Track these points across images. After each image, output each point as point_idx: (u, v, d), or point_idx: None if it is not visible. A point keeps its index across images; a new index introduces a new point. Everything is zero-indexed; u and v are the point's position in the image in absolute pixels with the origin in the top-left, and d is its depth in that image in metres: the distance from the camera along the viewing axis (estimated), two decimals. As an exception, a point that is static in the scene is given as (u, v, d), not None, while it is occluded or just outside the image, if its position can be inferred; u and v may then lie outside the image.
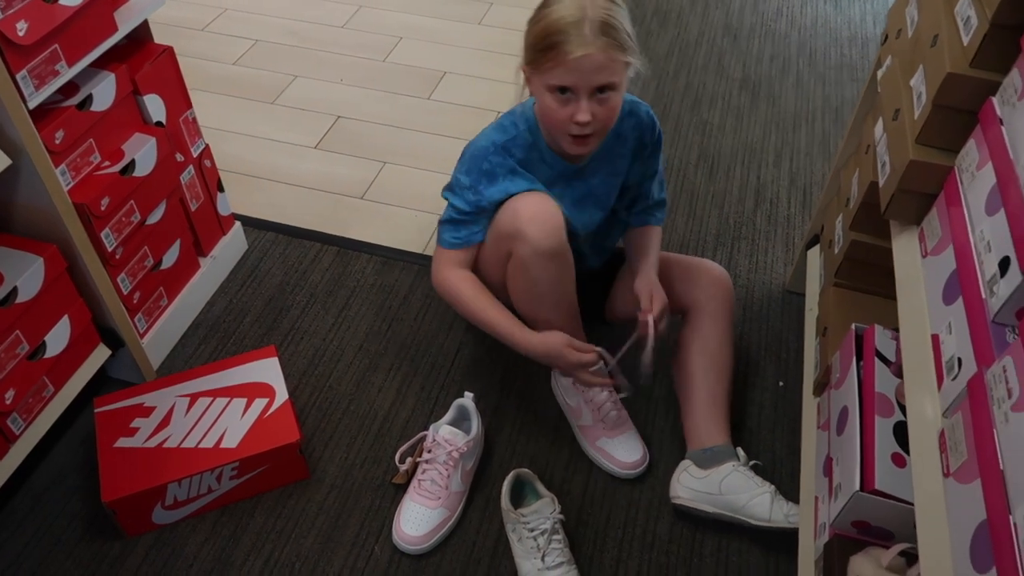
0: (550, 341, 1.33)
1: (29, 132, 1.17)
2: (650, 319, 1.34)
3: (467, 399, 1.43)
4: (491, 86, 2.37)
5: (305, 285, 1.78)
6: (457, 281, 1.37)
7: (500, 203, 1.31)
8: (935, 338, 0.96)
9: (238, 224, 1.81)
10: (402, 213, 1.97)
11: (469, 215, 1.34)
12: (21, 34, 1.13)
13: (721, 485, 1.32)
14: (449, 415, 1.42)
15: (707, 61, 2.55)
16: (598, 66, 1.17)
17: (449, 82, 2.40)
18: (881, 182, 1.17)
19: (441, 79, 2.41)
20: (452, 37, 2.60)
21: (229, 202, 1.75)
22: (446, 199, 1.38)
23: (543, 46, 1.19)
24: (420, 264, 1.83)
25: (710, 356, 1.41)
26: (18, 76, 1.14)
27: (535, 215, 1.26)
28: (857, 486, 1.06)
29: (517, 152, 1.31)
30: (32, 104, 1.18)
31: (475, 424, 1.40)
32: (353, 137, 2.20)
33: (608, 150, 1.37)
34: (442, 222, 1.39)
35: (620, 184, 1.42)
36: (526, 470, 1.36)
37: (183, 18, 2.65)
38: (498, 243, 1.32)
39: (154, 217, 1.50)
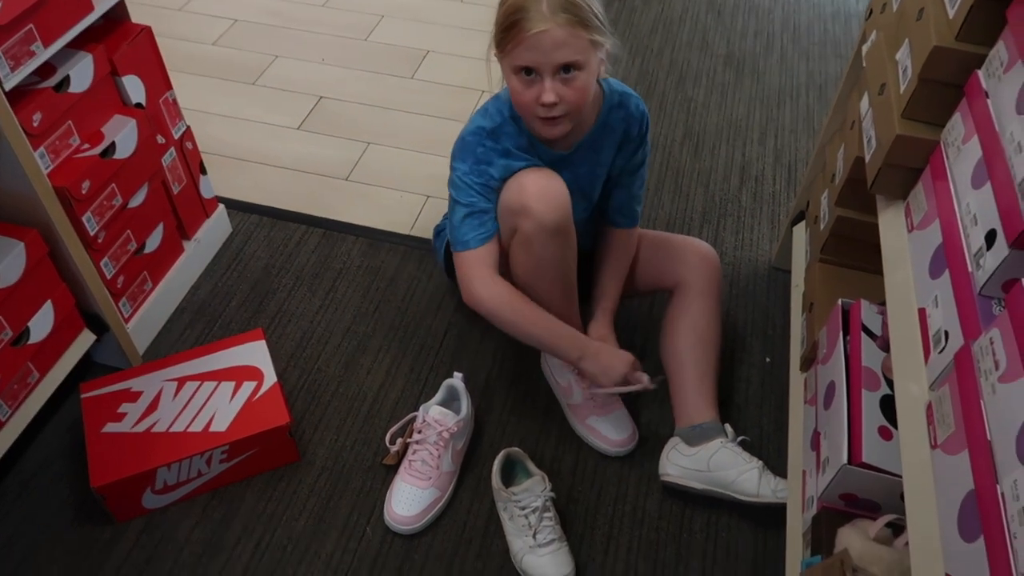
0: (617, 359, 1.36)
1: (6, 115, 1.15)
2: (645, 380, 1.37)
3: (456, 379, 1.43)
4: (474, 65, 2.35)
5: (291, 267, 1.77)
6: (496, 297, 1.29)
7: (504, 179, 1.30)
8: (922, 312, 0.96)
9: (221, 207, 1.79)
10: (387, 194, 1.96)
11: (481, 200, 1.30)
12: (-5, 14, 1.10)
13: (710, 462, 1.34)
14: (439, 395, 1.42)
15: (691, 38, 2.54)
16: (558, 42, 1.15)
17: (432, 61, 2.38)
18: (867, 157, 1.18)
19: (424, 58, 2.39)
20: (434, 15, 2.57)
21: (212, 185, 1.73)
22: (452, 197, 1.33)
23: (505, 25, 1.18)
24: (406, 245, 1.82)
25: (698, 333, 1.42)
26: (-7, 57, 1.12)
27: (541, 190, 1.25)
28: (845, 459, 1.07)
29: (505, 140, 1.30)
30: (8, 86, 1.16)
31: (465, 404, 1.41)
32: (336, 118, 2.18)
33: (595, 140, 1.35)
34: (456, 226, 1.32)
35: (604, 175, 1.41)
36: (516, 449, 1.37)
37: (160, -3, 2.61)
38: (503, 218, 1.31)
39: (136, 200, 1.48)
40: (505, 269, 1.37)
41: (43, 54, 1.21)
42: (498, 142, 1.29)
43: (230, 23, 2.51)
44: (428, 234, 1.81)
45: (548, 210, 1.25)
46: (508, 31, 1.17)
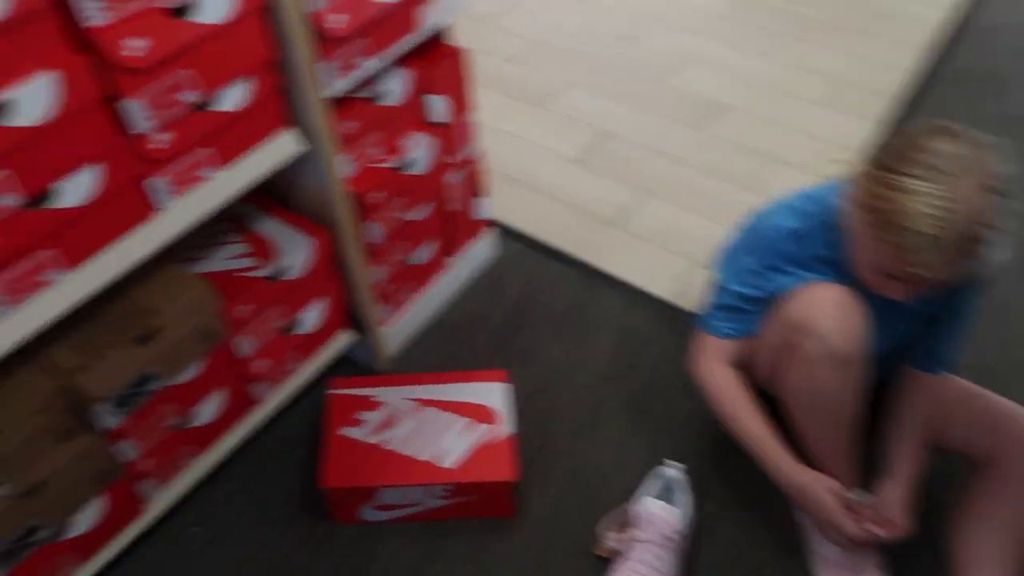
0: (818, 487, 1.17)
1: (327, 121, 1.20)
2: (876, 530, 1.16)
3: (674, 469, 1.29)
4: (780, 132, 2.15)
5: (545, 307, 1.71)
6: (722, 380, 1.24)
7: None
8: None
9: (491, 230, 1.78)
10: (656, 252, 1.83)
11: (751, 302, 1.18)
12: (339, 26, 1.14)
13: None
14: (654, 487, 1.30)
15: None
16: (938, 278, 1.00)
17: (730, 118, 2.22)
18: None
19: (721, 113, 2.24)
20: (742, 69, 2.40)
21: (487, 207, 1.72)
22: (720, 280, 1.23)
23: (883, 234, 0.99)
24: (666, 313, 1.69)
25: (1012, 531, 1.15)
26: (325, 65, 1.16)
27: (835, 310, 1.08)
28: None
29: (810, 246, 1.14)
30: (334, 94, 1.20)
31: (686, 500, 1.28)
32: (618, 157, 2.10)
33: None
34: (713, 308, 1.25)
35: (912, 306, 1.17)
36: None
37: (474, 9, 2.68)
38: (779, 330, 1.16)
39: (417, 215, 1.50)
40: (767, 374, 1.22)
41: (367, 67, 1.24)
42: (801, 247, 1.14)
43: (531, 42, 2.53)
44: (687, 302, 1.68)
45: (839, 334, 1.08)
46: (887, 242, 0.99)
